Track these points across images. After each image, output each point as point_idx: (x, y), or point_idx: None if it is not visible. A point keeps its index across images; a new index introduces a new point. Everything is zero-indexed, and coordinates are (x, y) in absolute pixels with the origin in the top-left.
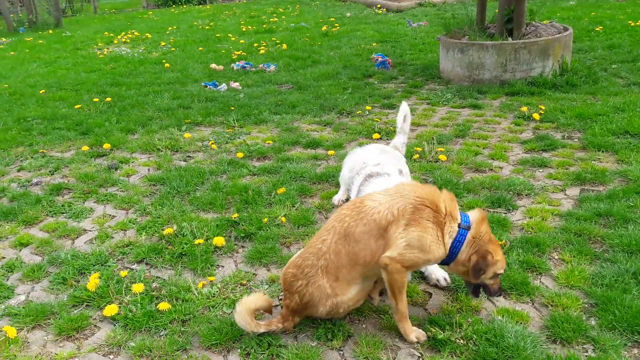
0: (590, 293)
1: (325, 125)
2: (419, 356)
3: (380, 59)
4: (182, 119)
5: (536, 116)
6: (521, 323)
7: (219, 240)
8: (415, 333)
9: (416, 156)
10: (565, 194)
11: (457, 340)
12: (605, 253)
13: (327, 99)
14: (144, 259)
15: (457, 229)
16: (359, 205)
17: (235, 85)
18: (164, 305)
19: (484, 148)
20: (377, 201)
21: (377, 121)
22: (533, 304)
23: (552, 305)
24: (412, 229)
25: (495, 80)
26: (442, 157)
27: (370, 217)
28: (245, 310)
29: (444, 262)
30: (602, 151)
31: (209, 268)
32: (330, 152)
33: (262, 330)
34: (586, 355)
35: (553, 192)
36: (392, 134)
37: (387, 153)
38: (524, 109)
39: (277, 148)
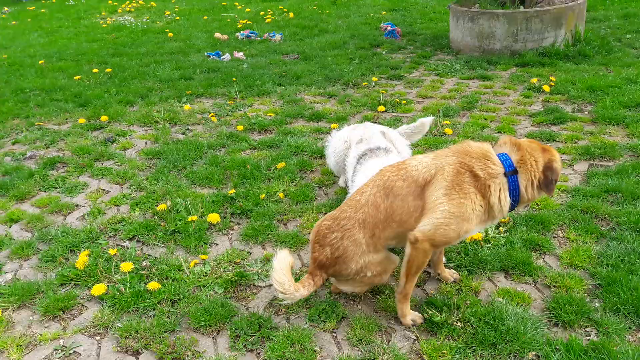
0: (595, 274)
1: (329, 97)
2: (414, 339)
3: (389, 28)
4: (183, 90)
5: (546, 88)
6: (522, 305)
7: (213, 217)
8: (411, 315)
9: None
10: (573, 169)
11: (455, 323)
12: (612, 231)
13: (333, 70)
14: (135, 236)
15: (505, 179)
16: (401, 164)
17: (239, 55)
18: (153, 285)
19: (491, 121)
20: (418, 161)
21: (383, 93)
22: (535, 284)
23: (554, 286)
24: (455, 197)
25: (505, 50)
26: (448, 131)
27: (409, 174)
28: (286, 266)
29: (511, 209)
30: (613, 124)
31: (202, 246)
32: (334, 125)
33: (303, 292)
34: (589, 339)
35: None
36: (398, 107)
37: (368, 128)
38: (534, 80)
39: (279, 121)
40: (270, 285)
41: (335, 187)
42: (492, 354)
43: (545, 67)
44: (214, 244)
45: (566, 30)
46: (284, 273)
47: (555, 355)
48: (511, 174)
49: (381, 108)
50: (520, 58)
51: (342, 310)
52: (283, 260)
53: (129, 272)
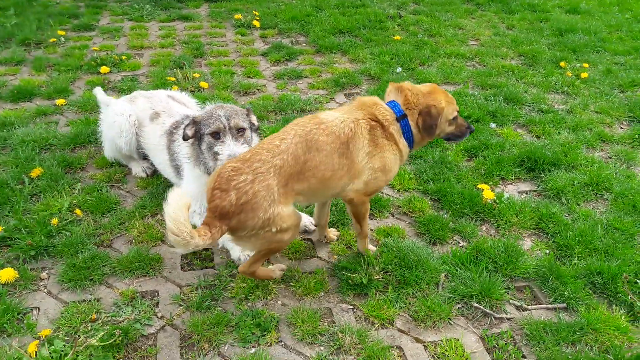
0: (427, 190)
1: (17, 65)
2: (352, 308)
3: None
4: None
5: (256, 23)
6: (402, 236)
7: (6, 274)
8: (371, 247)
9: (175, 87)
10: (336, 102)
11: (376, 277)
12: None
13: None
14: None
15: (398, 125)
16: (316, 117)
17: None
18: None
19: (232, 66)
20: (332, 116)
21: (96, 50)
22: (394, 216)
23: (410, 212)
24: (376, 153)
25: None
26: (204, 85)
27: (331, 130)
28: (182, 203)
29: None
30: (334, 52)
31: (20, 319)
32: (60, 101)
33: (198, 242)
34: (461, 246)
35: (326, 102)
36: (121, 65)
37: (153, 96)
38: (238, 16)
39: None
40: (162, 327)
41: (133, 180)
42: (418, 289)
43: (234, 0)
44: (33, 309)
45: None
46: (180, 209)
47: (457, 269)
48: (402, 118)
49: (105, 69)
50: None
51: (270, 316)
52: (178, 197)
53: None
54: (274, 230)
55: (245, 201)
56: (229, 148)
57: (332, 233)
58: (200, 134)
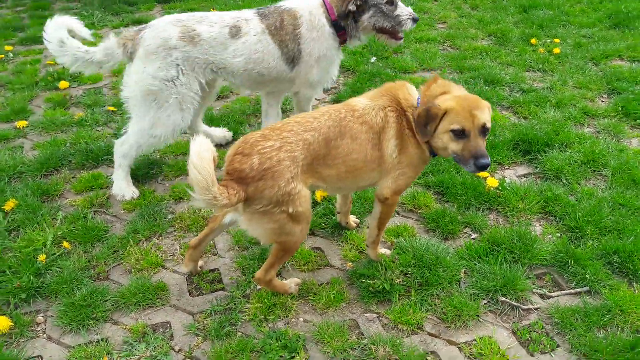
0: (429, 183)
1: None
2: (377, 316)
3: None
4: None
5: None
6: (413, 234)
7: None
8: (382, 251)
9: None
10: (315, 98)
11: (396, 280)
12: None
13: None
14: None
15: None
16: (348, 105)
17: None
18: None
19: None
20: (362, 103)
21: (50, 64)
22: (399, 214)
23: (416, 208)
24: (402, 146)
25: None
26: None
27: (364, 119)
28: (208, 152)
29: (433, 154)
30: None
31: None
32: (20, 122)
33: (216, 194)
34: (473, 238)
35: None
36: (80, 77)
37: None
38: None
39: None
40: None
41: (117, 202)
42: (441, 289)
43: (189, 0)
44: (36, 358)
45: None
46: (208, 149)
47: (475, 263)
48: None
49: (64, 84)
50: None
51: (296, 335)
52: (204, 145)
53: None
54: (290, 210)
55: (268, 167)
56: (409, 9)
57: (353, 221)
58: (366, 6)
